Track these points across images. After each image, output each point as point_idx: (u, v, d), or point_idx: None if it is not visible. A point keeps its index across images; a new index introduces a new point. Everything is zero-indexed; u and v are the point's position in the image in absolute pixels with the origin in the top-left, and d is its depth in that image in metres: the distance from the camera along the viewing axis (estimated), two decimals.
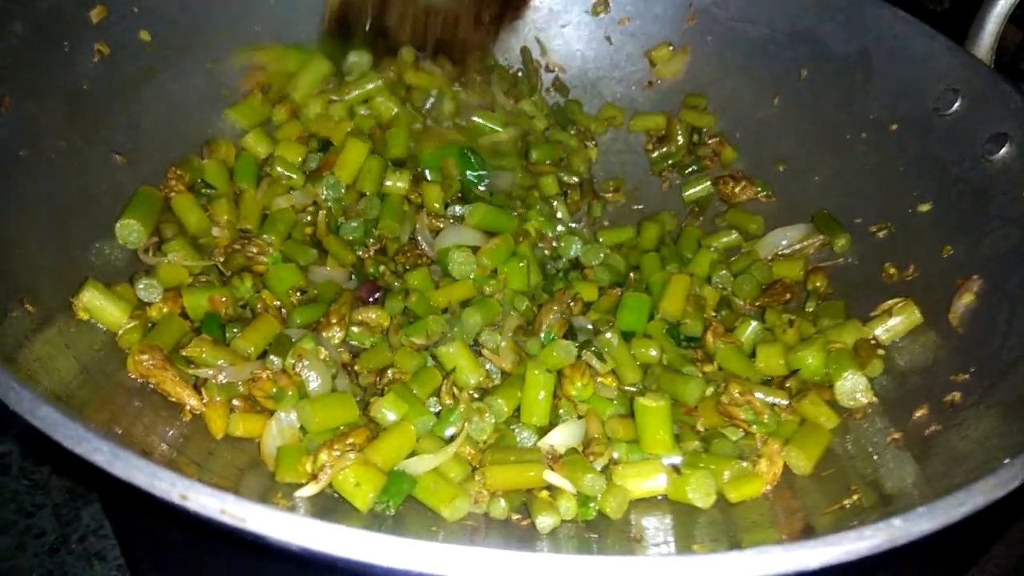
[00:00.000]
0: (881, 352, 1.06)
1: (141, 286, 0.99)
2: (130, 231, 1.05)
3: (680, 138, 1.44)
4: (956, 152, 1.14)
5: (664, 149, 1.45)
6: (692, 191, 1.42)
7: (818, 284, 1.21)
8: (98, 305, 0.94)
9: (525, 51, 1.50)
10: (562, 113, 1.48)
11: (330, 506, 0.86)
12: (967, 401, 0.89)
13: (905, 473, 0.84)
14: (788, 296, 1.21)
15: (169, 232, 1.09)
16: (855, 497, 0.82)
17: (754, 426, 0.97)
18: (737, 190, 1.37)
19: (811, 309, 1.18)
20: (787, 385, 1.01)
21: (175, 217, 1.13)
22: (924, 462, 0.83)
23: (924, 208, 1.15)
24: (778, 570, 0.56)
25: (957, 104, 1.15)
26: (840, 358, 1.02)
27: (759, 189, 1.36)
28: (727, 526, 0.87)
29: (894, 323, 1.08)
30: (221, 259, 1.09)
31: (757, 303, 1.21)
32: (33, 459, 1.35)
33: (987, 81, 1.14)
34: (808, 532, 0.80)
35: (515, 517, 0.91)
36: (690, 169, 1.44)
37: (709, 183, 1.41)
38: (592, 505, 0.90)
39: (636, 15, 1.48)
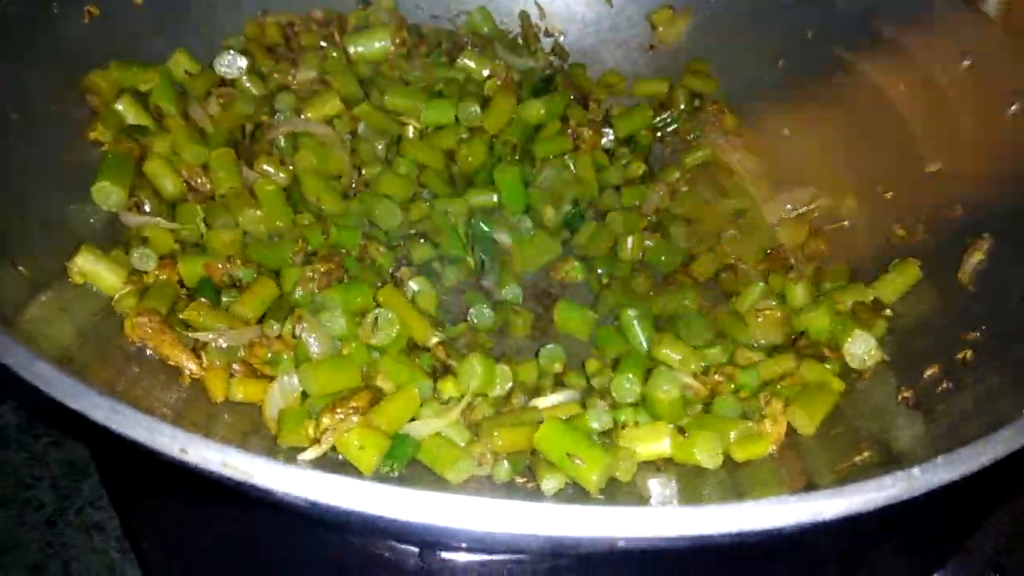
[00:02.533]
0: (887, 312, 1.05)
1: (136, 255, 0.97)
2: (107, 194, 1.03)
3: (682, 104, 1.42)
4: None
5: (666, 115, 1.43)
6: (693, 157, 1.39)
7: (820, 248, 1.20)
8: (93, 269, 0.92)
9: (524, 15, 1.48)
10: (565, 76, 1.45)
11: (333, 470, 0.84)
12: (979, 359, 0.88)
13: (916, 431, 0.83)
14: (792, 261, 1.20)
15: (144, 198, 1.06)
16: (865, 455, 0.81)
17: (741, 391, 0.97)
18: (735, 158, 1.35)
19: (810, 272, 1.17)
20: (798, 344, 0.99)
21: (149, 183, 1.08)
22: (935, 420, 0.82)
23: (933, 168, 1.13)
24: (795, 520, 0.55)
25: (966, 64, 1.13)
26: (845, 320, 1.01)
27: (758, 159, 1.34)
28: (735, 486, 0.85)
29: (895, 281, 1.06)
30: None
31: (761, 267, 1.20)
32: (31, 431, 1.33)
33: (999, 41, 1.12)
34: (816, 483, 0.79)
35: (520, 480, 0.90)
36: (692, 135, 1.42)
37: (710, 150, 1.38)
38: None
39: None
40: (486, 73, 1.33)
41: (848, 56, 1.27)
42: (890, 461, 0.78)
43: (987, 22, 1.18)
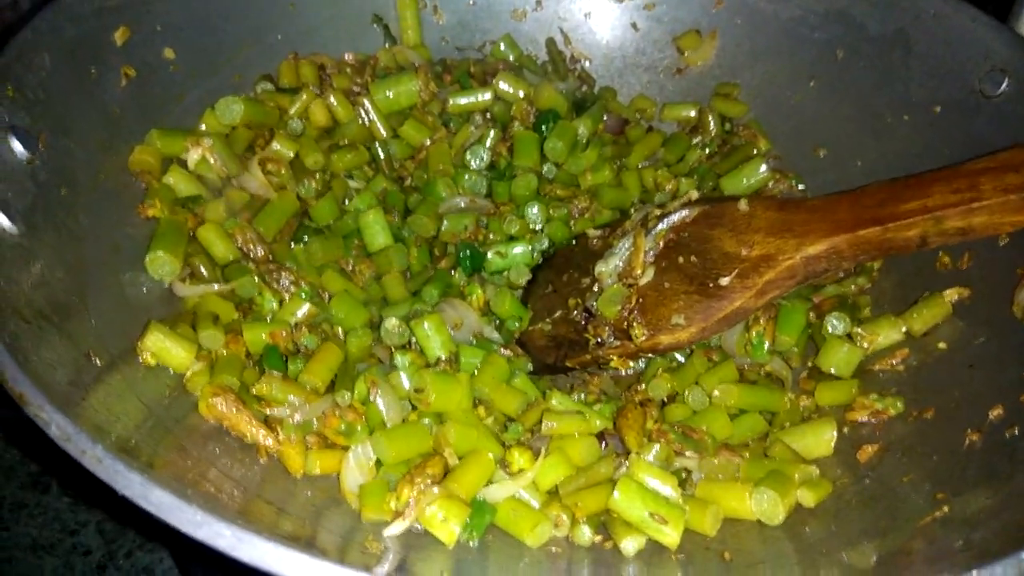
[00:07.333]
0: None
1: (204, 336, 0.97)
2: (161, 264, 1.01)
3: (713, 128, 1.42)
4: (1006, 136, 1.11)
5: (697, 139, 1.42)
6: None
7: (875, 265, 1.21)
8: (163, 348, 0.92)
9: (550, 42, 1.47)
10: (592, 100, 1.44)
11: (414, 542, 0.85)
12: None
13: (991, 486, 0.83)
14: (842, 275, 1.21)
15: (200, 265, 1.05)
16: (945, 509, 0.82)
17: None
18: (770, 184, 1.35)
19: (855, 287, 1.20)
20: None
21: (202, 248, 1.08)
22: (1016, 472, 0.83)
23: None
24: None
25: (1004, 85, 1.13)
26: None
27: (793, 181, 1.34)
28: (822, 541, 0.86)
29: (923, 314, 1.08)
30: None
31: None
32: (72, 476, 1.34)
33: None
34: (907, 548, 0.80)
35: (597, 539, 0.91)
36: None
37: None
38: None
39: None
40: (521, 95, 1.34)
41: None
42: (970, 520, 0.79)
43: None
